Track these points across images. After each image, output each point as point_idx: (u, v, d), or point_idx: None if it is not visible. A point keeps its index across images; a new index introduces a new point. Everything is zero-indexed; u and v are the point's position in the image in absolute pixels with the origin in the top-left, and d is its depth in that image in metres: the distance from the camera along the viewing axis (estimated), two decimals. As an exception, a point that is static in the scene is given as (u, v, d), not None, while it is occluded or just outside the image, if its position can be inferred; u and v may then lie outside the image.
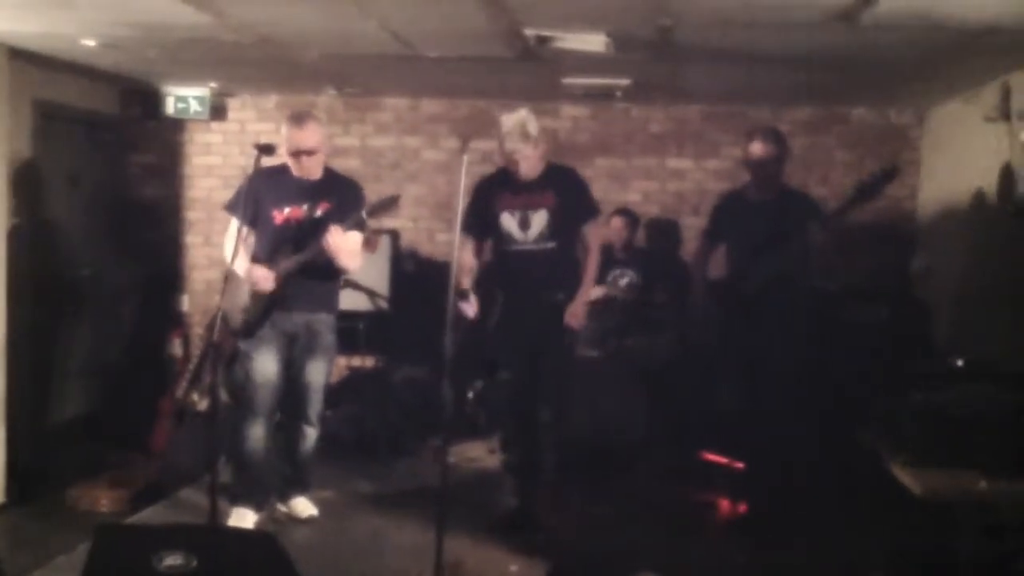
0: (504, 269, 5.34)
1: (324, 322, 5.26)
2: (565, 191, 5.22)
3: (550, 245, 5.21)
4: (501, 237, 5.29)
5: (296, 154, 5.06)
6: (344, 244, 4.94)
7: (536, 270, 5.23)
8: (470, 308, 5.26)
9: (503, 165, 5.26)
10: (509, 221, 5.23)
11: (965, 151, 6.76)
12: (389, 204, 4.98)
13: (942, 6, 4.35)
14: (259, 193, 5.05)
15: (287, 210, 5.13)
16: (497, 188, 5.31)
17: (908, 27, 4.74)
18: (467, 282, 5.29)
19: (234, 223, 5.12)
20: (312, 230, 5.01)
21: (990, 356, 5.67)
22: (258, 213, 5.11)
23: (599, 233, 5.46)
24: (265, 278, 5.02)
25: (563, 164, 5.51)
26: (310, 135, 5.06)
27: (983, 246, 6.34)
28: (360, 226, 5.00)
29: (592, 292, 6.29)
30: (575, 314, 5.20)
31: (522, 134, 5.04)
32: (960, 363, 5.18)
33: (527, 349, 5.29)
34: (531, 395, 5.29)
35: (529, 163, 5.13)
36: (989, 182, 6.07)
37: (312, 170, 5.15)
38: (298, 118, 5.11)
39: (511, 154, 5.09)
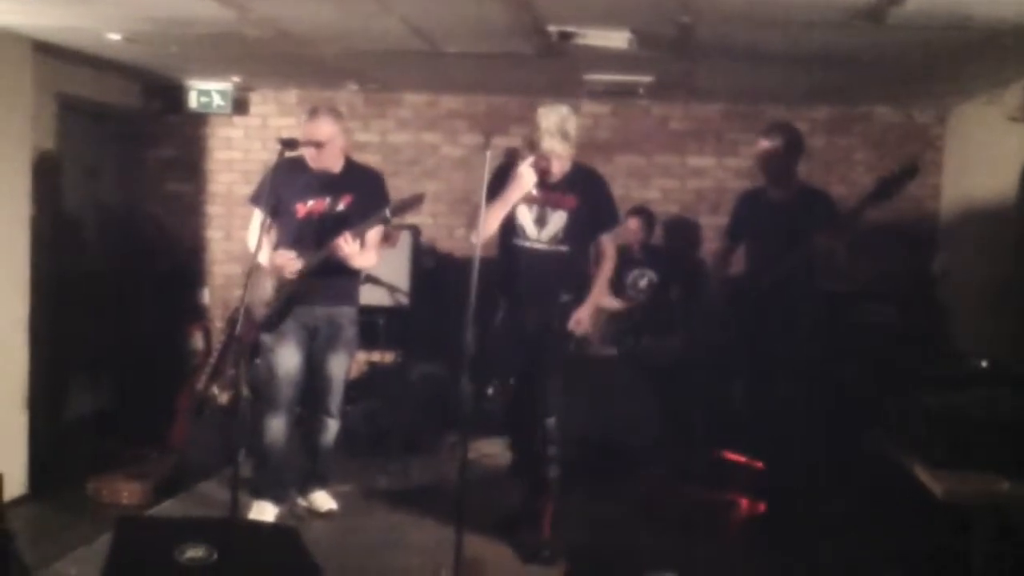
0: (510, 266, 5.03)
1: (346, 315, 5.28)
2: (589, 195, 4.96)
3: (563, 248, 4.94)
4: (513, 230, 4.98)
5: (307, 145, 5.08)
6: (355, 250, 4.97)
7: (545, 272, 4.95)
8: (529, 173, 4.75)
9: (533, 160, 4.82)
10: (525, 215, 4.95)
11: (988, 151, 6.72)
12: (414, 203, 4.98)
13: (968, 6, 4.33)
14: (281, 186, 5.07)
15: (310, 203, 5.15)
16: None
17: (933, 26, 4.72)
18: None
19: (256, 216, 5.15)
20: (335, 224, 5.02)
21: (1011, 357, 5.64)
22: (280, 206, 5.13)
23: (614, 243, 5.18)
24: (290, 260, 5.04)
25: (590, 166, 5.22)
26: (321, 127, 5.07)
27: (1005, 247, 6.30)
28: (383, 223, 5.02)
29: (608, 302, 6.27)
30: (580, 320, 4.94)
31: (563, 133, 4.74)
32: (983, 364, 5.16)
33: (527, 355, 5.03)
34: (529, 403, 5.04)
35: (562, 163, 4.86)
36: (1012, 182, 6.04)
37: (330, 162, 5.17)
38: (312, 110, 5.18)
39: (547, 153, 4.76)
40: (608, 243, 5.09)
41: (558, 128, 4.73)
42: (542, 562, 4.82)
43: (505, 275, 5.05)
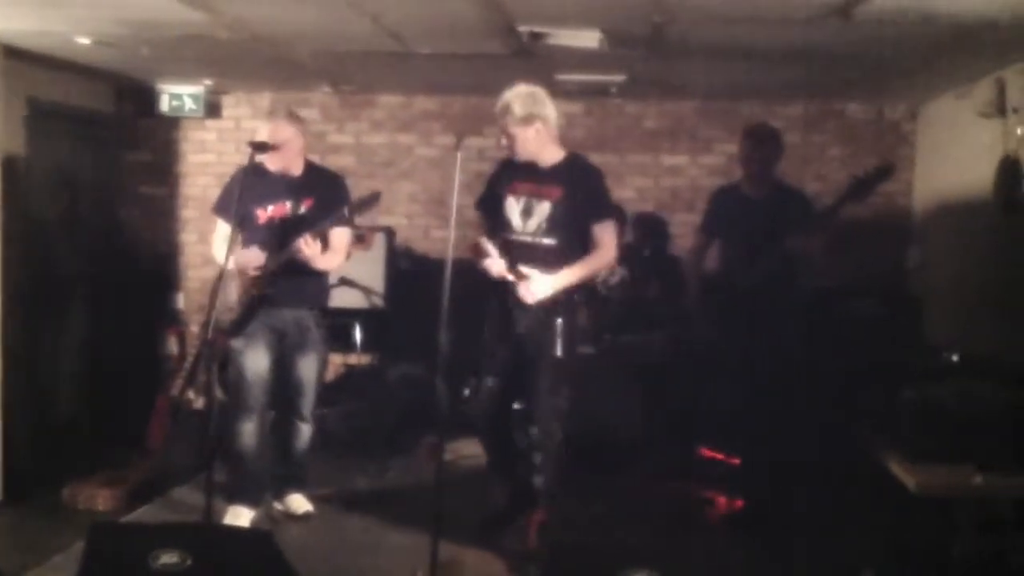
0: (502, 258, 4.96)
1: (313, 317, 5.28)
2: (576, 186, 4.81)
3: (548, 241, 4.82)
4: (503, 223, 4.92)
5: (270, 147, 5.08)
6: (316, 251, 4.95)
7: (531, 265, 4.80)
8: (493, 263, 4.82)
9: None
10: (512, 207, 4.88)
11: (959, 146, 6.76)
12: (370, 202, 4.96)
13: (936, 1, 4.35)
14: (243, 192, 5.02)
15: (271, 208, 5.16)
16: (510, 171, 4.96)
17: (902, 22, 4.75)
18: (484, 240, 4.86)
19: (220, 225, 5.17)
20: (297, 228, 5.02)
21: (984, 351, 5.68)
22: (243, 212, 5.09)
23: (613, 236, 4.92)
24: (256, 257, 5.05)
25: (585, 158, 5.08)
26: (278, 129, 5.09)
27: (977, 241, 6.35)
28: (343, 223, 5.02)
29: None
30: (531, 286, 4.70)
31: (506, 109, 4.71)
32: (955, 358, 5.19)
33: (513, 353, 4.92)
34: (509, 405, 5.02)
35: (521, 143, 4.78)
36: (983, 177, 6.08)
37: (290, 165, 5.18)
38: (273, 112, 5.21)
39: (502, 130, 4.78)
40: (604, 235, 4.86)
41: (504, 105, 4.74)
42: (524, 563, 4.81)
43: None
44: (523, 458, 4.96)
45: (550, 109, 4.81)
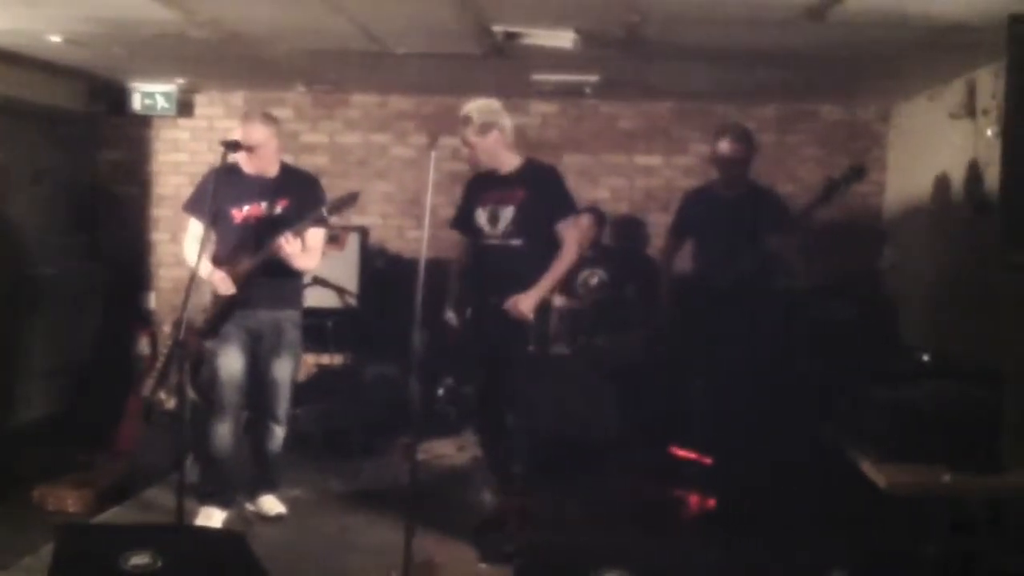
0: (475, 265, 5.26)
1: (289, 319, 5.26)
2: (536, 187, 5.09)
3: (516, 242, 5.09)
4: (475, 232, 5.21)
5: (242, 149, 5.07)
6: (296, 249, 4.94)
7: (502, 267, 5.10)
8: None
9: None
10: (481, 216, 5.16)
11: (931, 148, 6.80)
12: (348, 202, 4.97)
13: (909, 4, 4.38)
14: (217, 192, 5.00)
15: (246, 208, 5.13)
16: (479, 183, 5.26)
17: (875, 24, 4.77)
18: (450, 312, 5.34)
19: (192, 224, 5.14)
20: (272, 228, 5.00)
21: (956, 351, 5.71)
22: (217, 212, 5.07)
23: (576, 232, 5.28)
24: (223, 281, 5.01)
25: (541, 161, 5.37)
26: (253, 130, 5.06)
27: (949, 242, 6.38)
28: (320, 223, 5.01)
29: (554, 298, 6.35)
30: (517, 303, 4.99)
31: (466, 120, 5.04)
32: (926, 357, 5.22)
33: (490, 351, 5.21)
34: (493, 400, 5.25)
35: (479, 152, 5.10)
36: (954, 178, 6.12)
37: (265, 167, 5.15)
38: (247, 114, 5.20)
39: (463, 140, 5.10)
40: (568, 233, 5.14)
41: (464, 116, 5.06)
42: (503, 559, 4.80)
43: (470, 273, 5.26)
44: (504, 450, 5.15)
45: (506, 119, 5.13)
